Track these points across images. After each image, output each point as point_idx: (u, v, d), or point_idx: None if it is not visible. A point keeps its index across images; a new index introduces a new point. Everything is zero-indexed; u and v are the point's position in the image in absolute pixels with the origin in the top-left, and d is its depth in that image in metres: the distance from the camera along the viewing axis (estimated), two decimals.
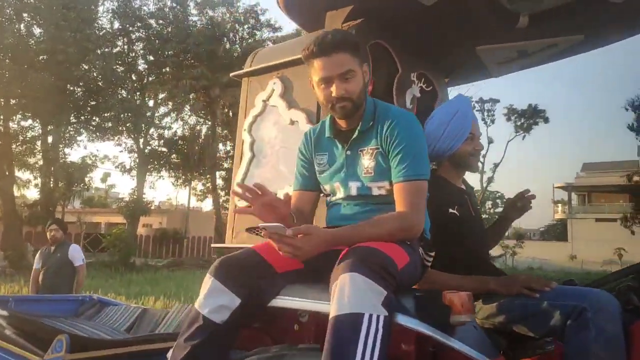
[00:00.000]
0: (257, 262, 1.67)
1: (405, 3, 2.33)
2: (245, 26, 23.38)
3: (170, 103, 23.83)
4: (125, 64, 22.65)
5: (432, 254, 1.77)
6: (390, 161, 1.70)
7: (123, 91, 22.51)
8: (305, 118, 2.43)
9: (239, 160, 2.72)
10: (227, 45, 23.17)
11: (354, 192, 1.77)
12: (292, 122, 2.49)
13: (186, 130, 25.50)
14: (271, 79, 2.62)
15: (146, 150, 23.84)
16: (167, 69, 22.94)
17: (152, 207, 23.74)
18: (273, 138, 2.58)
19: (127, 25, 22.08)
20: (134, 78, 23.07)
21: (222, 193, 26.07)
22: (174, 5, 22.91)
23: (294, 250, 1.50)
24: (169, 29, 22.54)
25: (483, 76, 3.13)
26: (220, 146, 25.44)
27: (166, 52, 22.41)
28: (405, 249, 1.59)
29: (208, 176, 25.21)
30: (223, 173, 26.06)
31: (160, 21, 22.75)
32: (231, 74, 2.85)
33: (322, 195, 1.94)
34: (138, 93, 23.26)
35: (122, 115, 20.65)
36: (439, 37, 2.67)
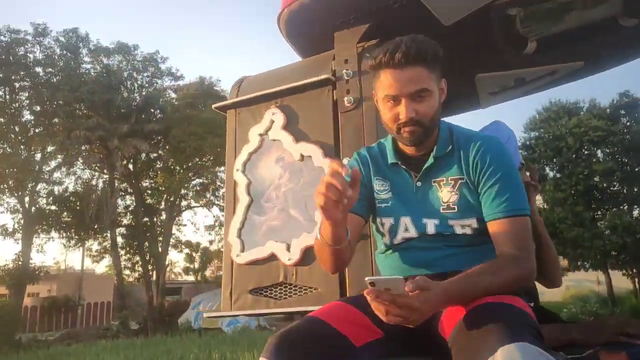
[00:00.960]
0: (328, 334, 1.25)
1: (424, 22, 2.11)
2: (145, 74, 22.40)
3: (61, 156, 21.75)
4: (7, 115, 20.40)
5: (532, 304, 1.46)
6: (483, 194, 1.39)
7: (6, 145, 20.14)
8: (320, 153, 2.06)
9: (232, 207, 2.25)
10: (125, 94, 21.94)
11: (431, 230, 1.43)
12: (303, 158, 2.11)
13: (79, 186, 23.33)
14: (268, 109, 2.23)
15: (33, 210, 21.31)
16: (58, 120, 21.04)
17: (41, 273, 20.97)
18: (277, 178, 2.16)
19: (10, 74, 20.05)
20: (17, 130, 20.81)
21: (123, 252, 23.96)
22: (65, 52, 21.35)
23: (409, 313, 1.11)
24: (59, 77, 20.85)
25: (472, 107, 3.01)
26: (119, 201, 23.58)
27: (56, 102, 20.61)
28: (525, 302, 1.27)
29: (105, 234, 23.09)
30: (123, 230, 24.04)
31: (49, 69, 21.00)
32: (214, 106, 2.41)
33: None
34: (23, 146, 20.96)
35: (7, 171, 18.35)
36: (446, 62, 2.49)
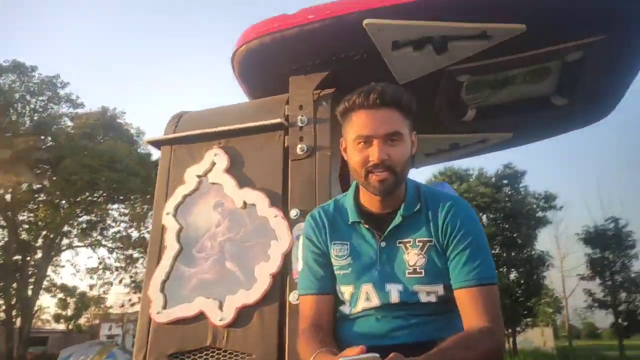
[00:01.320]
0: None
1: (379, 78, 2.08)
2: (40, 98, 20.58)
3: None
4: None
5: None
6: (452, 259, 1.31)
7: None
8: (266, 201, 1.88)
9: (156, 255, 1.96)
10: (14, 117, 19.89)
11: (394, 298, 1.31)
12: (246, 205, 1.91)
13: None
14: (209, 150, 2.02)
15: None
16: None
17: None
18: (214, 225, 1.94)
19: None
20: None
21: None
22: None
23: None
24: None
25: None
26: None
27: None
28: None
29: None
30: None
31: None
32: (146, 139, 2.14)
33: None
34: None
35: None
36: None
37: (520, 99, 2.44)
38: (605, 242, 19.62)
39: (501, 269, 20.24)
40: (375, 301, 1.31)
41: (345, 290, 1.35)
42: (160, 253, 1.96)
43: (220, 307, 1.83)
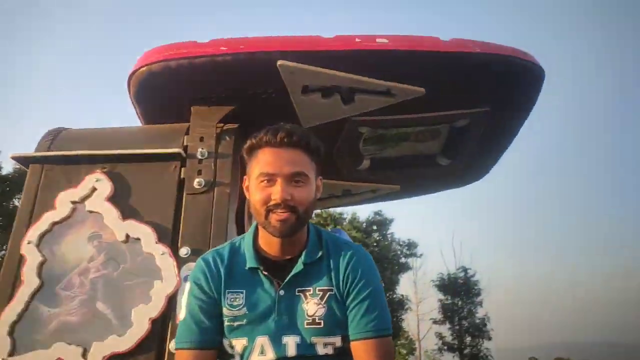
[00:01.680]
0: None
1: (285, 118, 2.06)
2: None
3: None
4: None
5: None
6: (351, 309, 1.29)
7: None
8: (153, 236, 1.71)
9: (8, 290, 1.66)
10: None
11: (291, 351, 1.25)
12: (128, 239, 1.72)
13: None
14: (91, 174, 1.80)
15: None
16: None
17: None
18: (87, 260, 1.70)
19: None
20: None
21: None
22: None
23: None
24: None
25: None
26: None
27: None
28: None
29: None
30: None
31: None
32: (11, 155, 1.83)
33: None
34: None
35: None
36: None
37: (410, 155, 2.58)
38: (455, 289, 21.47)
39: None
40: (270, 355, 1.22)
41: (237, 344, 1.24)
42: (14, 288, 1.66)
43: (84, 355, 1.60)
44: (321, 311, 1.25)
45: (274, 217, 1.22)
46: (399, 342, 23.36)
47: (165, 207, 1.77)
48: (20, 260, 1.69)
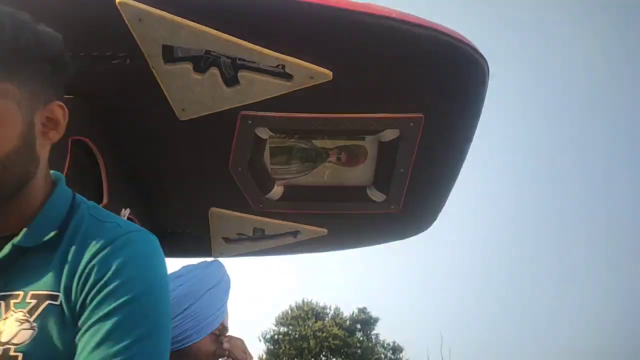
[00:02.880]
0: None
1: (153, 103, 1.57)
2: None
3: None
4: None
5: None
6: (82, 335, 0.70)
7: None
8: None
9: None
10: None
11: None
12: None
13: None
14: None
15: None
16: None
17: None
18: None
19: None
20: None
21: None
22: None
23: None
24: None
25: (201, 253, 2.41)
26: None
27: None
28: None
29: None
30: None
31: None
32: None
33: None
34: None
35: None
36: (171, 177, 1.94)
37: (334, 185, 2.05)
38: None
39: None
40: None
41: None
42: None
43: None
44: (24, 335, 0.68)
45: None
46: None
47: None
48: None
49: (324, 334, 18.98)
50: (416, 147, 1.76)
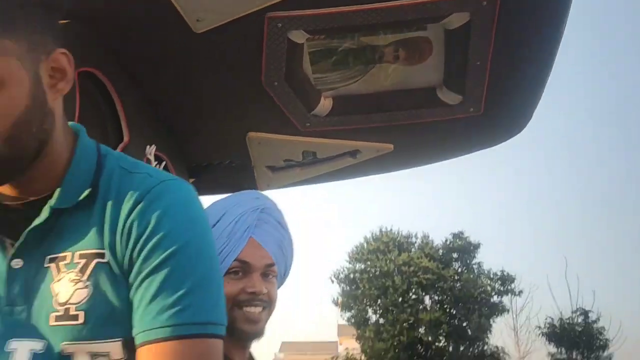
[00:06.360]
0: None
1: (160, 18, 1.70)
2: None
3: None
4: None
5: None
6: (136, 289, 0.90)
7: None
8: None
9: None
10: None
11: None
12: None
13: None
14: None
15: None
16: None
17: None
18: None
19: None
20: None
21: None
22: None
23: None
24: None
25: (246, 186, 2.61)
26: None
27: None
28: None
29: None
30: None
31: None
32: None
33: None
34: None
35: None
36: (197, 103, 2.10)
37: (395, 90, 2.14)
38: (572, 340, 20.13)
39: None
40: None
41: None
42: None
43: None
44: (81, 295, 0.88)
45: None
46: None
47: None
48: None
49: (412, 268, 19.60)
50: (493, 33, 1.79)
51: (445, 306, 20.63)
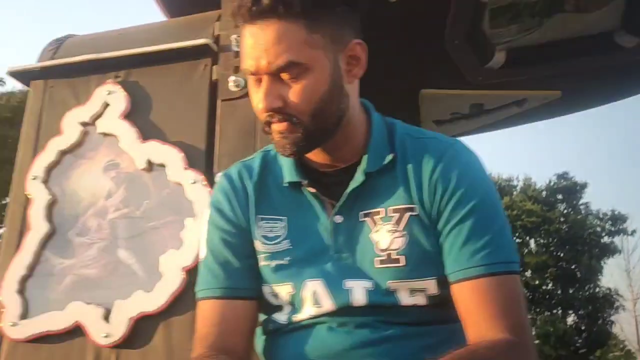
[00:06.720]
0: None
1: None
2: None
3: None
4: None
5: None
6: (445, 237, 1.08)
7: None
8: (182, 161, 1.67)
9: (14, 238, 1.75)
10: None
11: (359, 300, 1.09)
12: (151, 167, 1.70)
13: None
14: (101, 86, 1.81)
15: None
16: None
17: None
18: (104, 197, 1.72)
19: None
20: None
21: None
22: None
23: None
24: None
25: None
26: None
27: None
28: None
29: None
30: None
31: None
32: (8, 70, 1.92)
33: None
34: None
35: None
36: (381, 62, 2.27)
37: (569, 37, 2.22)
38: None
39: (555, 311, 20.02)
40: (328, 305, 1.09)
41: (281, 291, 1.12)
42: (20, 236, 1.74)
43: (106, 317, 1.64)
44: (400, 242, 1.08)
45: (275, 129, 1.05)
46: (611, 353, 22.00)
47: (195, 121, 1.71)
48: (27, 201, 1.76)
49: (515, 212, 19.42)
50: None
51: (552, 249, 20.38)
